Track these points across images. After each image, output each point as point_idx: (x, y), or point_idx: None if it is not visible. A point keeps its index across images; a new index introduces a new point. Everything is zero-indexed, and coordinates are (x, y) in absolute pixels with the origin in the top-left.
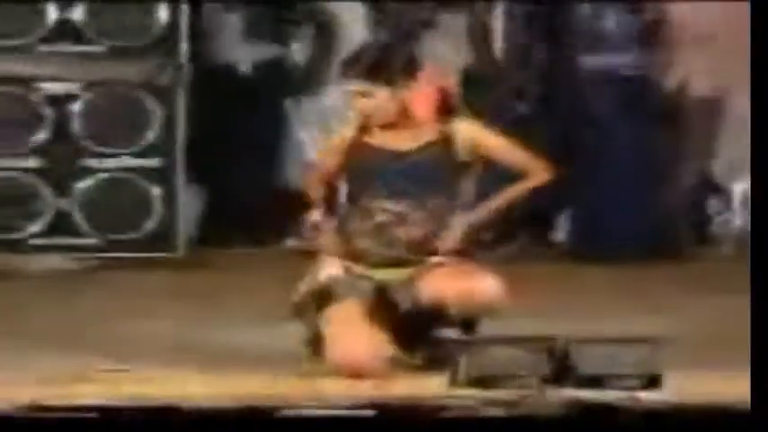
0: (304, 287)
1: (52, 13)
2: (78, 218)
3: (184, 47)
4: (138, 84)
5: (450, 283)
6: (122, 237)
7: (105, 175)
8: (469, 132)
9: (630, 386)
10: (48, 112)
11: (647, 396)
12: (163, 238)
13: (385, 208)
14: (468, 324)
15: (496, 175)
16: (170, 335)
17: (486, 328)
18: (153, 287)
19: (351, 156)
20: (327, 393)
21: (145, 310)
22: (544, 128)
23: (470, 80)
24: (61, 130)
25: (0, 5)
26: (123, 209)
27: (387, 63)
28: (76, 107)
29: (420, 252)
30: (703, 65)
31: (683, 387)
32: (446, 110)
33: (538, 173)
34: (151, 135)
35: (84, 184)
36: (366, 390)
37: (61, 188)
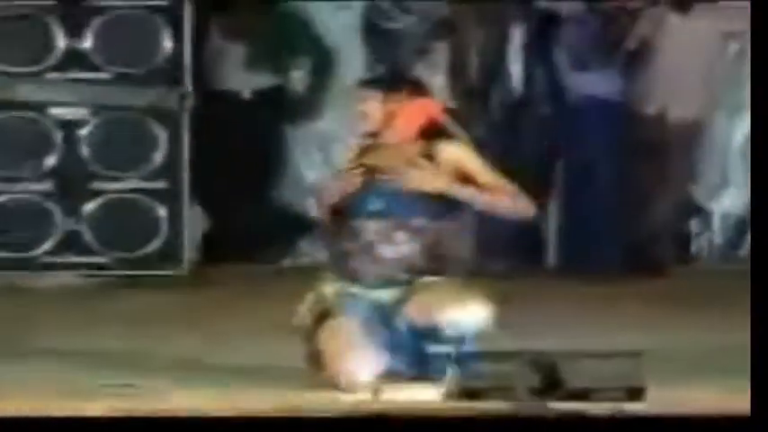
0: (304, 307)
1: (61, 42)
2: (87, 237)
3: (188, 74)
4: (144, 109)
5: (441, 303)
6: (129, 255)
7: (113, 196)
8: (454, 155)
9: (615, 398)
10: (58, 136)
11: (630, 408)
12: (168, 256)
13: (368, 227)
14: (458, 340)
15: None
16: (175, 350)
17: (477, 344)
18: (159, 303)
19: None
20: (326, 406)
21: (151, 325)
22: (527, 150)
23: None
24: (71, 153)
25: (12, 35)
26: (130, 228)
27: (397, 79)
28: (85, 132)
29: (411, 270)
30: (683, 90)
31: (666, 399)
32: (431, 132)
33: (520, 208)
34: (157, 158)
35: (92, 205)
36: (362, 403)
37: (71, 209)
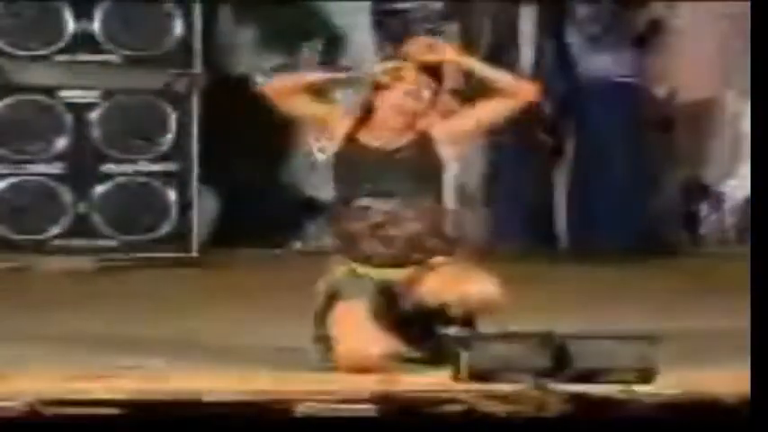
0: (319, 289)
1: (71, 26)
2: (98, 220)
3: (199, 57)
4: (154, 92)
5: (450, 283)
6: (140, 238)
7: (123, 179)
8: (443, 127)
9: (626, 380)
10: (68, 119)
11: (642, 390)
12: (178, 239)
13: (376, 207)
14: (467, 321)
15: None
16: (186, 332)
17: (487, 325)
18: (169, 286)
19: (340, 156)
20: (335, 388)
21: (161, 308)
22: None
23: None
24: (81, 136)
25: (22, 19)
26: (140, 212)
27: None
28: (95, 114)
29: (420, 250)
30: (695, 71)
31: (677, 381)
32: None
33: (523, 87)
34: (167, 141)
35: (103, 188)
36: (371, 385)
37: (81, 192)
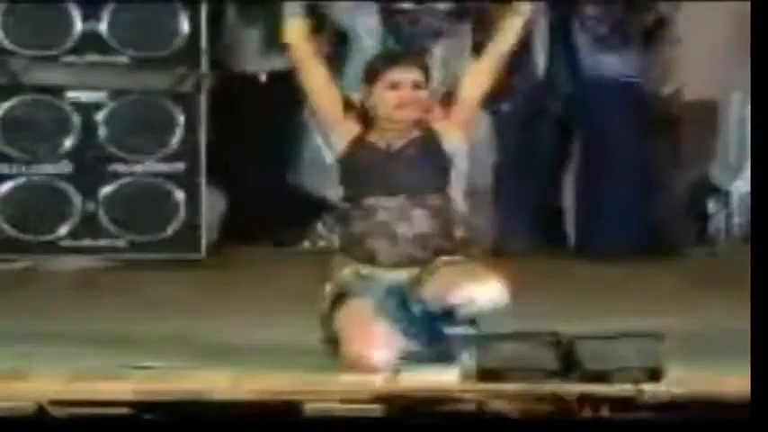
0: (326, 290)
1: (78, 26)
2: (105, 220)
3: (205, 57)
4: (161, 92)
5: (458, 283)
6: (147, 238)
7: (130, 179)
8: (446, 126)
9: (634, 379)
10: (75, 119)
11: (649, 388)
12: (186, 239)
13: (384, 205)
14: (474, 320)
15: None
16: (194, 332)
17: (494, 325)
18: (176, 286)
19: (346, 155)
20: (343, 388)
21: (169, 308)
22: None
23: None
24: (88, 136)
25: (29, 19)
26: (148, 211)
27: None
28: (103, 115)
29: (428, 249)
30: (701, 70)
31: (684, 380)
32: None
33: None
34: (174, 141)
35: (110, 188)
36: (379, 385)
37: (89, 192)
